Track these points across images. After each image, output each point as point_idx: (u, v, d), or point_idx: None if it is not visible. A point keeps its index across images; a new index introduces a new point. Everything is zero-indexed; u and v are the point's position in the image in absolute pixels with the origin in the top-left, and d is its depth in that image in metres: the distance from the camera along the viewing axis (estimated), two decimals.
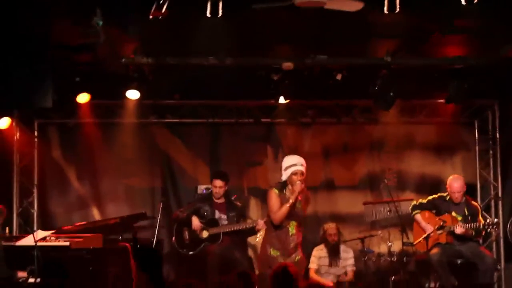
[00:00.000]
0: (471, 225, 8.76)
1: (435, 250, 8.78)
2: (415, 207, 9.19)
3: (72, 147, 10.38)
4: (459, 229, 8.73)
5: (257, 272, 8.26)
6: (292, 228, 7.61)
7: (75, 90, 9.15)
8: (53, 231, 8.67)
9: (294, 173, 7.48)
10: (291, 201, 7.44)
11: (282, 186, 7.62)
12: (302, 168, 7.51)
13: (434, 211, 9.12)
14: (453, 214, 8.94)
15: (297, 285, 5.79)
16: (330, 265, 9.51)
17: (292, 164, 7.54)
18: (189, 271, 9.43)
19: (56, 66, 8.01)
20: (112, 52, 7.98)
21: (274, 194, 7.59)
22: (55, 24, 7.23)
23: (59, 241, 8.21)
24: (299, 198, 7.53)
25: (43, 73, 7.82)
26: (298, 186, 7.42)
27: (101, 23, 6.80)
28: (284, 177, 7.57)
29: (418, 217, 9.12)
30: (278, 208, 7.52)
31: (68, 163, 10.41)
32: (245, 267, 8.75)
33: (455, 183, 8.95)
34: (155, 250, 4.15)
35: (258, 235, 8.80)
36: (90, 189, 10.41)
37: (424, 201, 9.21)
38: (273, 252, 7.60)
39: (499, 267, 10.16)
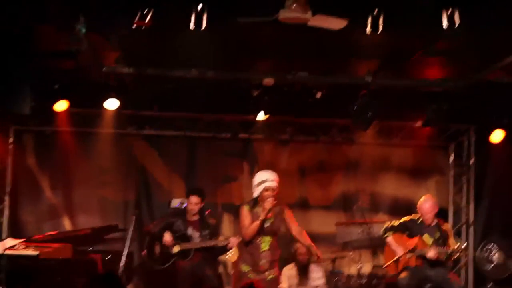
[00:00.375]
0: (442, 250, 8.78)
1: (404, 274, 8.78)
2: (387, 229, 9.19)
3: (47, 155, 10.29)
4: (431, 254, 8.74)
5: None
6: (265, 244, 7.55)
7: (53, 97, 9.08)
8: (22, 240, 8.59)
9: (266, 189, 7.43)
10: (261, 218, 7.39)
11: (254, 202, 7.58)
12: (274, 184, 7.46)
13: (406, 233, 9.14)
14: (425, 236, 8.96)
15: None
16: (300, 284, 9.48)
17: (263, 180, 7.49)
18: (159, 286, 9.36)
19: (36, 72, 7.97)
20: (94, 60, 7.94)
21: (245, 211, 7.57)
22: (37, 30, 7.19)
23: (28, 250, 8.15)
24: (270, 215, 7.48)
25: (21, 79, 7.77)
26: (269, 203, 7.37)
27: (84, 30, 6.76)
28: (256, 193, 7.53)
29: (390, 239, 9.11)
30: (248, 224, 7.49)
31: (42, 171, 10.31)
32: (215, 284, 8.71)
33: (425, 204, 8.92)
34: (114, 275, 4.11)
35: (229, 252, 8.78)
36: (63, 199, 10.32)
37: (396, 223, 9.21)
38: (244, 268, 7.58)
39: None
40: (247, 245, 7.60)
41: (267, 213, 7.39)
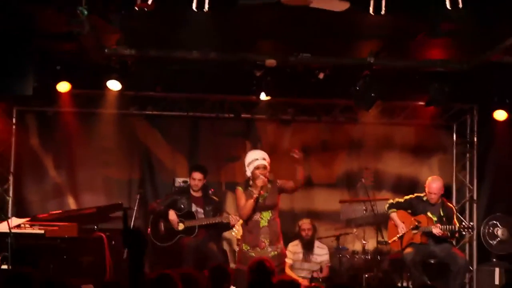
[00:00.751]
0: (446, 227, 8.85)
1: (409, 250, 8.86)
2: (391, 206, 9.26)
3: (50, 136, 10.30)
4: (436, 230, 8.80)
5: (233, 266, 8.29)
6: (264, 220, 7.64)
7: (56, 78, 9.06)
8: (28, 219, 8.65)
9: (256, 168, 7.57)
10: (254, 195, 7.51)
11: (247, 182, 7.71)
12: (264, 162, 7.60)
13: (410, 211, 9.20)
14: (429, 214, 9.02)
15: (272, 279, 5.80)
16: (304, 260, 9.54)
17: (254, 159, 7.63)
18: (164, 263, 9.43)
19: (38, 54, 7.96)
20: (96, 42, 7.91)
21: (239, 191, 7.71)
22: (39, 11, 7.16)
23: (33, 229, 8.22)
24: (262, 192, 7.57)
25: (24, 60, 7.78)
26: (260, 180, 7.49)
27: (86, 12, 6.73)
28: (248, 173, 7.66)
29: (394, 215, 9.19)
30: (244, 203, 7.60)
31: (46, 151, 10.32)
32: (220, 260, 8.77)
33: (433, 184, 9.03)
34: (142, 235, 4.16)
35: (233, 229, 8.85)
36: (67, 178, 10.33)
37: (401, 200, 9.29)
38: (244, 247, 7.68)
39: (471, 268, 10.27)
40: (247, 222, 7.69)
41: (260, 190, 7.51)
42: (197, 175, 9.23)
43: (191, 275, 5.23)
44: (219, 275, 5.71)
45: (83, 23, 6.85)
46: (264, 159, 7.64)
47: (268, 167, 7.65)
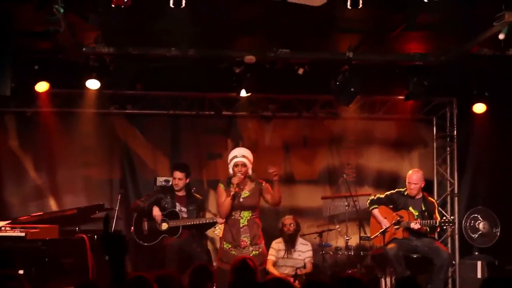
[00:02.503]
0: (427, 222, 8.88)
1: (391, 245, 8.88)
2: (372, 202, 9.29)
3: (29, 137, 10.21)
4: (414, 225, 8.84)
5: (215, 264, 8.27)
6: (243, 220, 7.66)
7: (34, 78, 9.00)
8: (8, 222, 8.57)
9: (235, 165, 7.63)
10: (231, 193, 7.54)
11: (229, 180, 7.74)
12: (243, 159, 7.64)
13: (391, 206, 9.23)
14: (410, 209, 9.04)
15: (255, 278, 5.78)
16: (287, 256, 9.52)
17: (233, 156, 7.70)
18: (147, 263, 9.40)
19: (15, 53, 7.88)
20: (73, 41, 7.86)
21: (220, 189, 7.76)
22: (15, 10, 7.09)
23: (14, 232, 8.14)
24: (245, 186, 7.62)
25: (1, 61, 7.68)
26: (236, 178, 7.54)
27: (62, 10, 6.67)
28: (230, 170, 7.72)
29: (376, 211, 9.22)
30: (222, 202, 7.64)
31: (25, 152, 10.23)
32: (203, 260, 8.75)
33: (413, 175, 9.09)
34: (122, 237, 4.14)
35: (217, 227, 8.83)
36: (47, 180, 10.25)
37: (382, 196, 9.32)
38: (225, 245, 7.69)
39: (454, 262, 10.32)
40: (227, 220, 7.71)
41: (235, 187, 7.54)
42: (178, 174, 9.21)
43: (169, 276, 5.21)
44: (201, 275, 5.68)
45: (60, 21, 6.79)
46: (243, 156, 7.67)
47: (249, 165, 7.68)
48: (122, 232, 9.05)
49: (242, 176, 7.59)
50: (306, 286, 4.56)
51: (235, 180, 7.54)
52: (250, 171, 7.71)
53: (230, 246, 7.62)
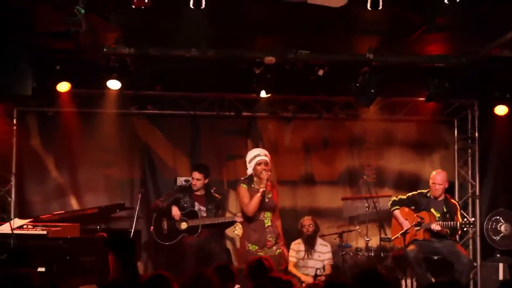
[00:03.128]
0: (448, 223, 8.83)
1: (412, 247, 8.85)
2: (394, 203, 9.27)
3: (51, 136, 10.28)
4: (434, 226, 8.80)
5: (235, 264, 8.28)
6: (267, 220, 7.70)
7: (55, 78, 9.07)
8: (30, 220, 8.64)
9: (258, 163, 7.62)
10: (261, 189, 7.54)
11: (249, 179, 7.75)
12: (266, 158, 7.66)
13: (413, 208, 9.20)
14: (432, 211, 9.01)
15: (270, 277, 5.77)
16: (307, 257, 9.52)
17: (256, 155, 7.70)
18: (166, 262, 9.45)
19: (37, 54, 7.96)
20: (93, 41, 7.92)
21: (243, 189, 7.74)
22: (37, 11, 7.16)
23: (36, 230, 8.20)
24: (268, 187, 7.62)
25: (23, 60, 7.77)
26: (265, 174, 7.55)
27: (83, 11, 6.73)
28: (250, 170, 7.72)
29: (397, 213, 9.20)
30: (249, 201, 7.62)
31: (47, 152, 10.31)
32: (223, 259, 8.77)
33: (438, 176, 9.09)
34: (129, 239, 4.18)
35: (236, 227, 8.84)
36: (69, 179, 10.32)
37: (404, 197, 9.29)
38: (251, 247, 7.67)
39: (475, 264, 10.25)
40: (251, 222, 7.71)
41: (266, 183, 7.54)
42: (196, 175, 9.26)
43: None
44: (223, 275, 5.69)
45: (81, 22, 6.84)
46: (265, 155, 7.70)
47: (270, 164, 7.69)
48: (140, 232, 9.19)
49: (270, 173, 7.63)
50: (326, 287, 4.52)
51: (264, 176, 7.54)
52: (269, 173, 7.72)
53: (256, 247, 7.64)
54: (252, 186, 7.68)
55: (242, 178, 7.88)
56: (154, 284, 4.70)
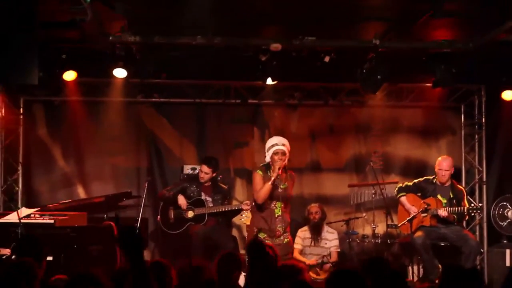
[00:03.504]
0: (454, 209, 8.83)
1: (419, 233, 8.84)
2: (400, 190, 9.26)
3: (57, 125, 10.31)
4: (441, 212, 8.80)
5: (243, 252, 8.30)
6: (278, 210, 7.74)
7: (61, 67, 9.05)
8: (37, 209, 8.67)
9: (275, 153, 7.65)
10: (273, 178, 7.56)
11: (266, 167, 7.79)
12: (284, 148, 7.68)
13: (419, 194, 9.19)
14: (438, 197, 9.00)
15: (276, 265, 5.77)
16: (313, 244, 9.53)
17: (273, 144, 7.72)
18: (173, 250, 9.47)
19: (42, 43, 7.93)
20: (99, 30, 7.90)
21: (258, 175, 7.75)
22: (42, 0, 7.14)
23: (43, 219, 8.23)
24: (282, 176, 7.66)
25: (28, 50, 7.73)
26: (278, 163, 7.58)
27: (88, 0, 6.71)
28: (267, 158, 7.76)
29: (403, 199, 9.19)
30: (260, 187, 7.64)
31: (54, 141, 10.34)
32: (230, 247, 8.78)
33: (444, 162, 9.07)
34: (136, 231, 4.17)
35: (243, 215, 8.86)
36: (76, 168, 10.36)
37: (410, 183, 9.28)
38: (260, 235, 7.69)
39: (482, 250, 10.25)
40: (262, 210, 7.76)
41: (278, 172, 7.57)
42: (205, 168, 9.28)
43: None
44: (229, 263, 5.69)
45: (86, 10, 6.83)
46: (283, 145, 7.72)
47: (287, 154, 7.72)
48: (147, 220, 9.20)
49: (284, 163, 7.66)
50: (333, 275, 4.52)
51: (277, 165, 7.58)
52: (286, 161, 7.73)
53: (265, 235, 7.68)
54: (268, 174, 7.71)
55: (261, 165, 7.90)
56: (152, 271, 4.71)
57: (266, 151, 7.79)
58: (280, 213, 7.74)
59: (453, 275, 4.62)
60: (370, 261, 4.91)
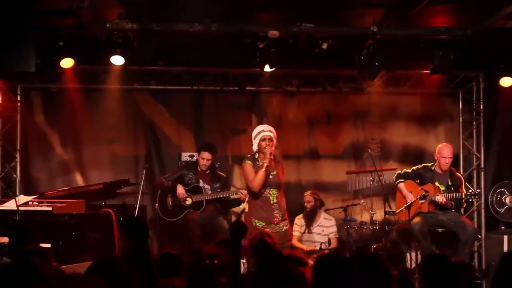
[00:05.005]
0: (453, 195, 8.84)
1: (417, 219, 8.86)
2: (399, 176, 9.27)
3: (55, 113, 10.30)
4: (439, 198, 8.81)
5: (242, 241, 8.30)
6: (273, 197, 7.75)
7: (58, 54, 9.02)
8: (35, 196, 8.68)
9: (262, 139, 7.67)
10: (265, 164, 7.56)
11: (254, 156, 7.81)
12: (270, 134, 7.70)
13: (417, 181, 9.19)
14: (436, 184, 9.01)
15: (273, 253, 5.77)
16: (307, 231, 9.55)
17: (260, 131, 7.74)
18: (172, 238, 9.48)
19: (39, 30, 7.90)
20: (96, 17, 7.87)
21: (248, 165, 7.78)
22: None
23: (41, 206, 8.23)
24: (271, 164, 7.66)
25: (25, 37, 7.71)
26: (268, 149, 7.59)
27: None
28: (255, 146, 7.77)
29: (401, 185, 9.20)
30: (254, 176, 7.64)
31: (51, 128, 10.33)
32: (228, 235, 8.78)
33: (446, 149, 9.07)
34: (142, 222, 4.19)
35: (241, 204, 8.87)
36: (74, 155, 10.35)
37: (409, 170, 9.29)
38: (258, 223, 7.71)
39: (479, 236, 10.28)
40: (257, 198, 7.75)
41: (269, 158, 7.58)
42: (207, 155, 9.28)
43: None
44: (227, 249, 5.69)
45: None
46: (270, 131, 7.73)
47: (275, 140, 7.71)
48: (142, 214, 9.20)
49: (273, 148, 7.66)
50: (317, 263, 4.50)
51: (267, 151, 7.57)
52: (273, 148, 7.74)
53: (263, 223, 7.68)
54: (257, 162, 7.72)
55: (248, 155, 7.89)
56: (165, 262, 4.72)
57: (253, 139, 7.79)
58: (275, 200, 7.74)
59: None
60: (358, 253, 4.85)
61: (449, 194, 8.85)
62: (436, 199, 8.84)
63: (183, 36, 8.62)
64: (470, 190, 9.24)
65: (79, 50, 9.00)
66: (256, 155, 7.76)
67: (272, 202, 7.73)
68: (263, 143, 7.64)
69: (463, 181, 9.23)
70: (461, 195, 8.88)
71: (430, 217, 8.97)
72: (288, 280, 4.27)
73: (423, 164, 9.35)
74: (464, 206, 9.48)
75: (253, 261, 5.90)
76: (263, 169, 7.58)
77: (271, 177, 7.72)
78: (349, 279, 4.25)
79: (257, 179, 7.63)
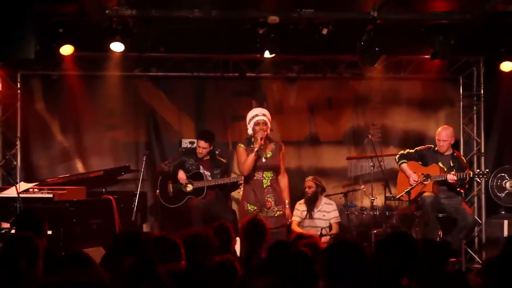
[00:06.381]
0: (462, 174, 8.80)
1: (428, 193, 8.82)
2: (402, 156, 9.21)
3: (55, 99, 10.27)
4: (451, 177, 8.74)
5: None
6: (266, 180, 7.70)
7: (58, 41, 9.00)
8: (36, 183, 8.69)
9: (256, 123, 7.63)
10: (256, 148, 7.53)
11: (249, 140, 7.76)
12: (264, 118, 7.65)
13: (420, 162, 9.16)
14: (440, 164, 8.99)
15: (265, 238, 5.79)
16: (308, 217, 9.57)
17: (254, 115, 7.70)
18: (173, 224, 9.49)
19: (39, 17, 7.90)
20: (96, 4, 7.85)
21: (240, 148, 7.76)
22: None
23: (42, 193, 8.26)
24: (266, 147, 7.65)
25: (25, 24, 7.71)
26: (260, 133, 7.55)
27: None
28: (250, 130, 7.72)
29: (404, 166, 9.16)
30: (244, 159, 7.62)
31: (52, 115, 10.31)
32: (229, 220, 8.79)
33: (443, 132, 9.04)
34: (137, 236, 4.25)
35: (241, 188, 8.87)
36: (74, 142, 10.33)
37: (412, 151, 9.25)
38: (250, 207, 7.68)
39: (480, 222, 10.29)
40: (249, 181, 7.73)
41: (260, 142, 7.53)
42: (202, 144, 9.25)
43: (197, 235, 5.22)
44: (222, 233, 5.72)
45: None
46: (264, 115, 7.69)
47: (269, 124, 7.68)
48: (145, 194, 9.19)
49: (266, 133, 7.63)
50: (331, 247, 4.44)
51: (258, 135, 7.54)
52: (269, 131, 7.72)
53: (255, 207, 7.63)
54: (251, 146, 7.67)
55: (245, 139, 7.89)
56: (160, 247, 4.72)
57: (247, 123, 7.75)
58: (269, 184, 7.68)
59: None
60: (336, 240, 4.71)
61: (460, 173, 8.81)
62: (447, 178, 8.77)
63: (183, 23, 8.60)
64: (478, 170, 9.21)
65: (79, 36, 8.98)
66: (252, 139, 7.71)
67: (265, 186, 7.67)
68: (257, 128, 7.61)
69: (465, 162, 9.23)
70: (471, 173, 8.86)
71: (437, 198, 8.93)
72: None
73: (426, 145, 9.33)
74: (467, 186, 9.42)
75: (245, 245, 5.90)
76: (253, 154, 7.54)
77: (264, 160, 7.67)
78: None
79: (247, 163, 7.60)
